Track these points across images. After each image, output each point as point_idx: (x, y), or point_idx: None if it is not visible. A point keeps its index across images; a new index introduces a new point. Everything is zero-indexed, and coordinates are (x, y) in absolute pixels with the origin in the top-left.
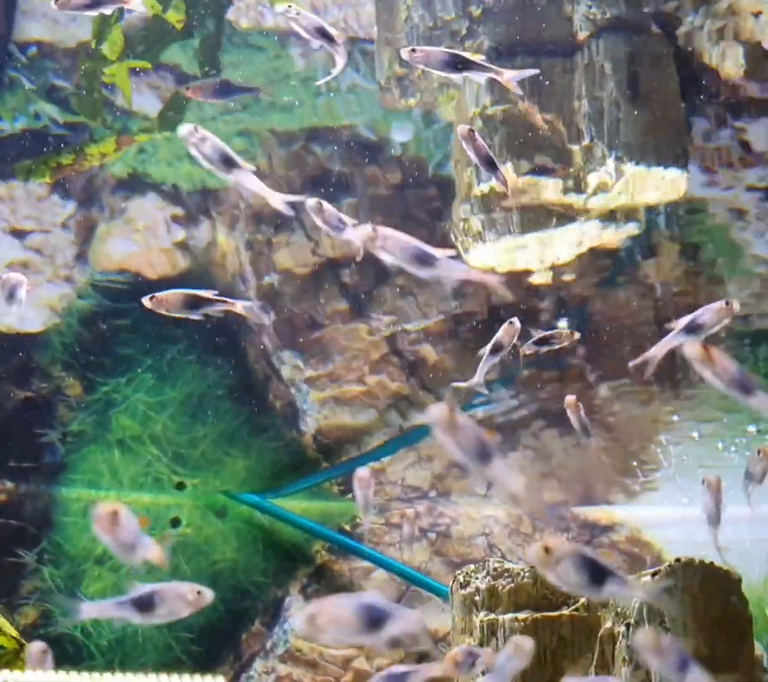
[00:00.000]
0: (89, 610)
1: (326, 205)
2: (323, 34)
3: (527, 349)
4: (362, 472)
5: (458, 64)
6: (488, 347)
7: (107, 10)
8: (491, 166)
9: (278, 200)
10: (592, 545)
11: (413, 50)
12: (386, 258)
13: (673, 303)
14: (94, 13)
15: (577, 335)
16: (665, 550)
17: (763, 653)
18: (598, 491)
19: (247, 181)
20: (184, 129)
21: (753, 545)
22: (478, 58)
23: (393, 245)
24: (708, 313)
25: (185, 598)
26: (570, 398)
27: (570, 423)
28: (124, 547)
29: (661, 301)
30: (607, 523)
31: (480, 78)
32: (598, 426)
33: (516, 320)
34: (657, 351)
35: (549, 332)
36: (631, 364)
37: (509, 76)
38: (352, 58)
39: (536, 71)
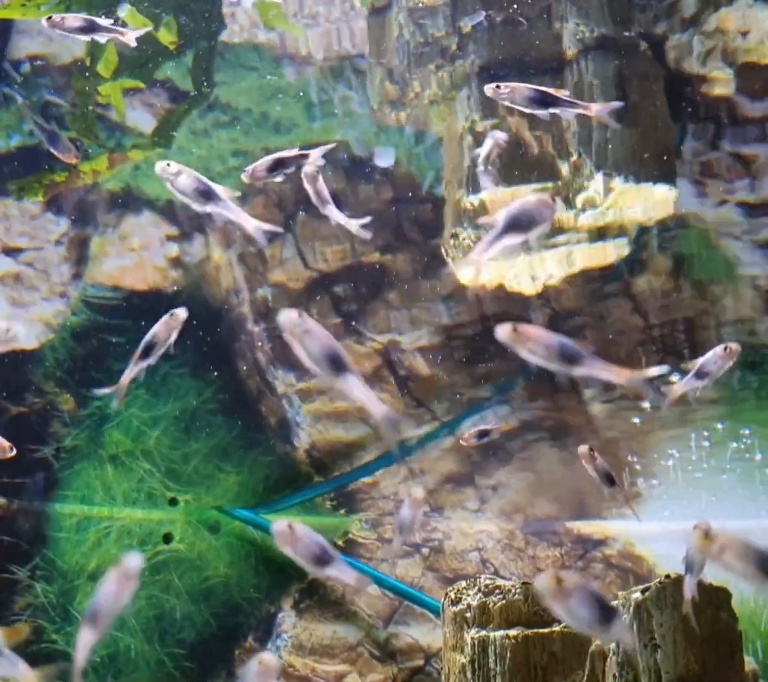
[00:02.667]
0: None
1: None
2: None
3: None
4: (418, 493)
5: (545, 100)
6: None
7: (101, 39)
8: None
9: (254, 228)
10: (585, 559)
11: (498, 86)
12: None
13: (663, 315)
14: (86, 38)
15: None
16: (658, 564)
17: (756, 667)
18: (592, 505)
19: (226, 211)
20: (157, 166)
21: None
22: (564, 94)
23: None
24: (713, 358)
25: None
26: (583, 449)
27: (563, 436)
28: None
29: (651, 313)
30: (600, 537)
31: (568, 114)
32: (592, 440)
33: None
34: (671, 399)
35: None
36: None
37: (597, 110)
38: (345, 75)
39: (622, 104)
